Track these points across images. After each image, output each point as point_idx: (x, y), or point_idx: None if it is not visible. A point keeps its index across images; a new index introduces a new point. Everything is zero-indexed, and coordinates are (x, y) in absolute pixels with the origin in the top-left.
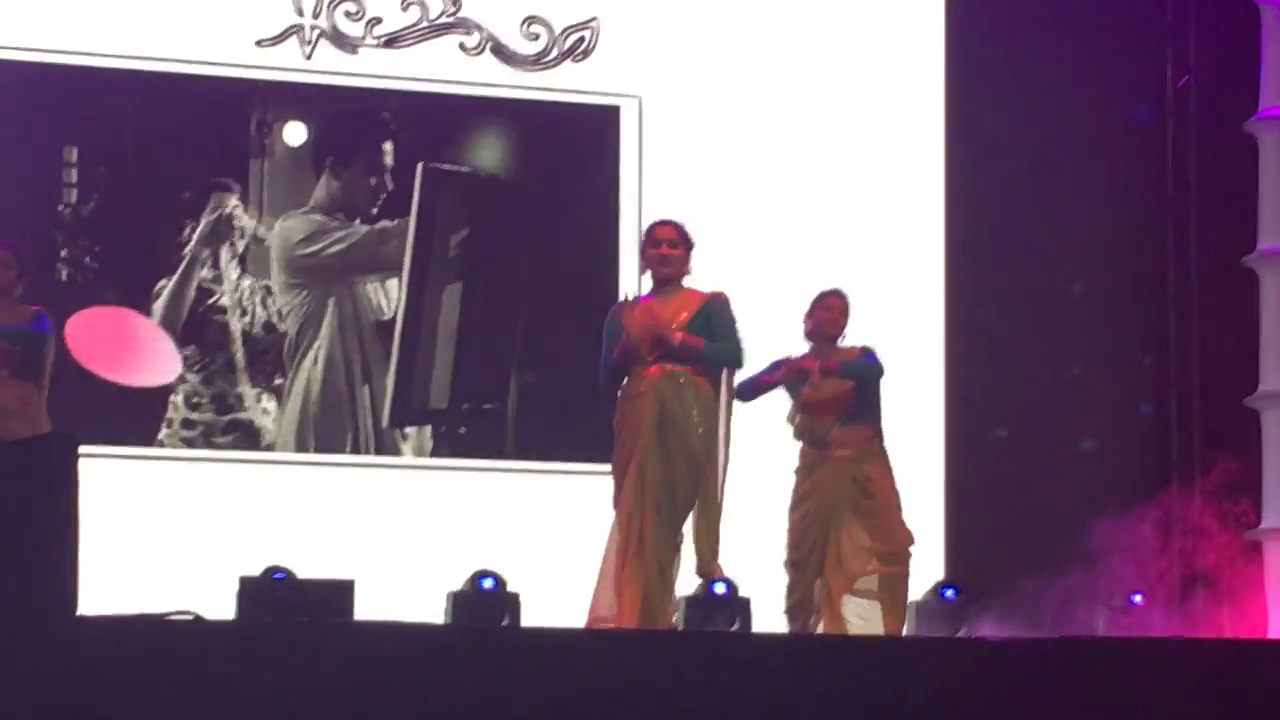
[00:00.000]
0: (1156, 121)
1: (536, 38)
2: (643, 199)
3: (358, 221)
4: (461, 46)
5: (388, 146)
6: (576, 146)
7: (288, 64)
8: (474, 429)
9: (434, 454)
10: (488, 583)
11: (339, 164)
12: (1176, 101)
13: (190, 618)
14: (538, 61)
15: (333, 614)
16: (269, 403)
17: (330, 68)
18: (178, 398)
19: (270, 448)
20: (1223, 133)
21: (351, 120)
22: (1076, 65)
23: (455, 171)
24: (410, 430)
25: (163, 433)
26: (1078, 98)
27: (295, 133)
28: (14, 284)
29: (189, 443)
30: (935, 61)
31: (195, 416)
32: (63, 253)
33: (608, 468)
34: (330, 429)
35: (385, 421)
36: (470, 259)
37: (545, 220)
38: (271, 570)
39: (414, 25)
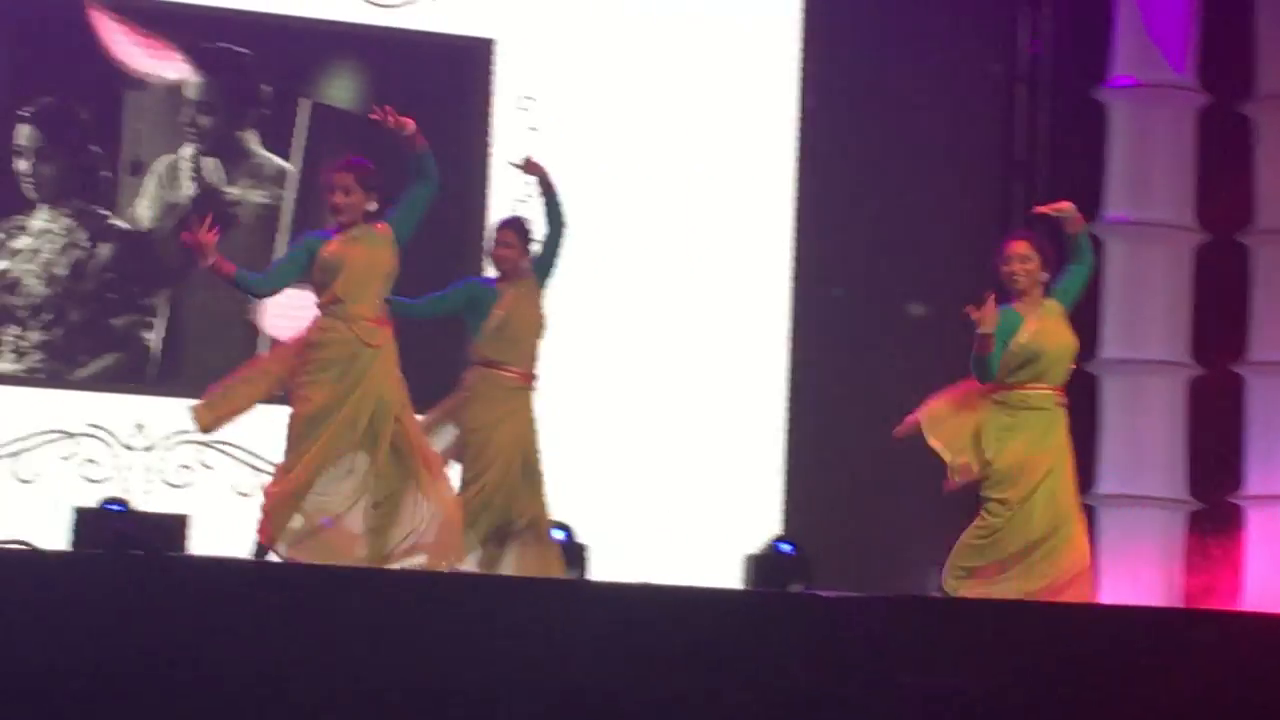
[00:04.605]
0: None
1: None
2: (492, 141)
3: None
4: None
5: (262, 84)
6: (433, 86)
7: None
8: None
9: None
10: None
11: (212, 101)
12: (1029, 66)
13: (24, 547)
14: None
15: (168, 548)
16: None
17: None
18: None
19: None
20: (1073, 99)
21: (224, 55)
22: (932, 28)
23: (337, 110)
24: None
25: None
26: (932, 60)
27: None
28: (359, 205)
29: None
30: (793, 17)
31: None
32: None
33: None
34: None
35: None
36: None
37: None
38: (107, 501)
39: None
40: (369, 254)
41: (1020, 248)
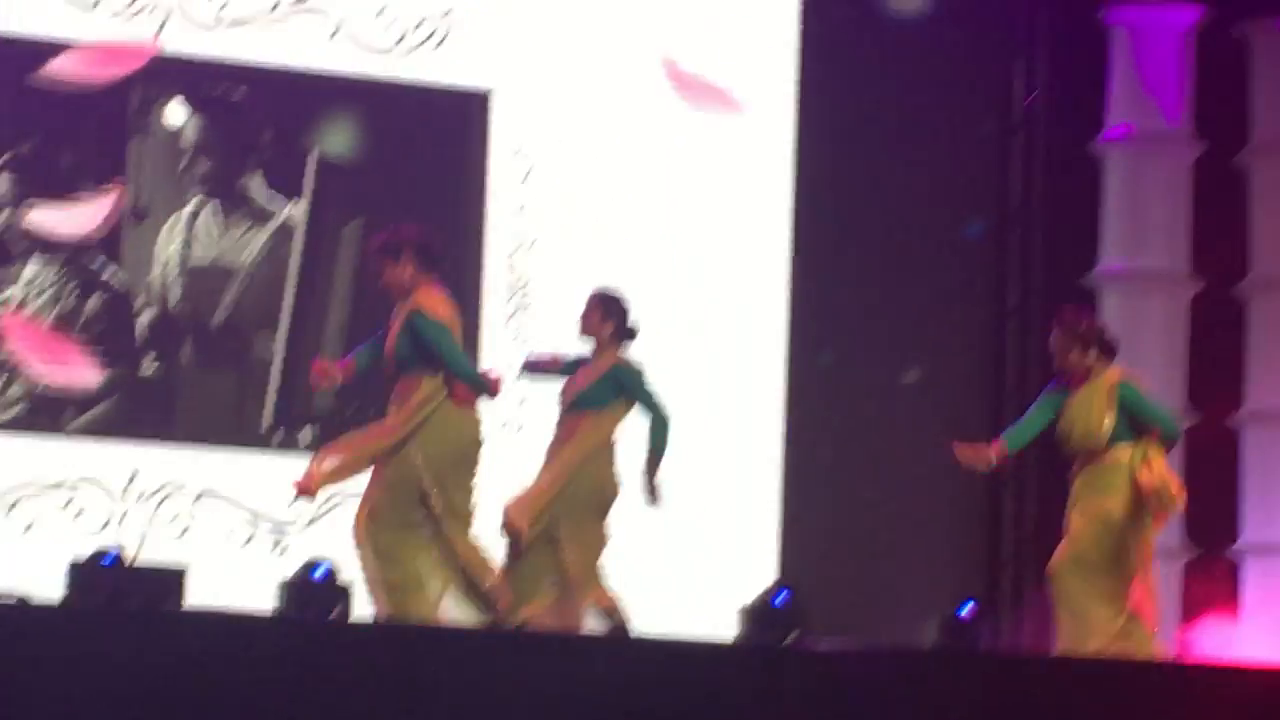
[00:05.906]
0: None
1: (391, 25)
2: (489, 191)
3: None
4: (317, 32)
5: (264, 133)
6: (432, 136)
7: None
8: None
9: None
10: (319, 571)
11: (210, 144)
12: (1023, 119)
13: (13, 601)
14: (392, 49)
15: (163, 601)
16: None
17: (186, 48)
18: None
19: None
20: (1068, 151)
21: (229, 104)
22: (926, 83)
23: (342, 164)
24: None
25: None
26: (926, 115)
27: (176, 113)
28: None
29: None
30: (788, 67)
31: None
32: None
33: None
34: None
35: (269, 420)
36: (359, 250)
37: (417, 210)
38: (100, 554)
39: (270, 8)
40: None
41: None
